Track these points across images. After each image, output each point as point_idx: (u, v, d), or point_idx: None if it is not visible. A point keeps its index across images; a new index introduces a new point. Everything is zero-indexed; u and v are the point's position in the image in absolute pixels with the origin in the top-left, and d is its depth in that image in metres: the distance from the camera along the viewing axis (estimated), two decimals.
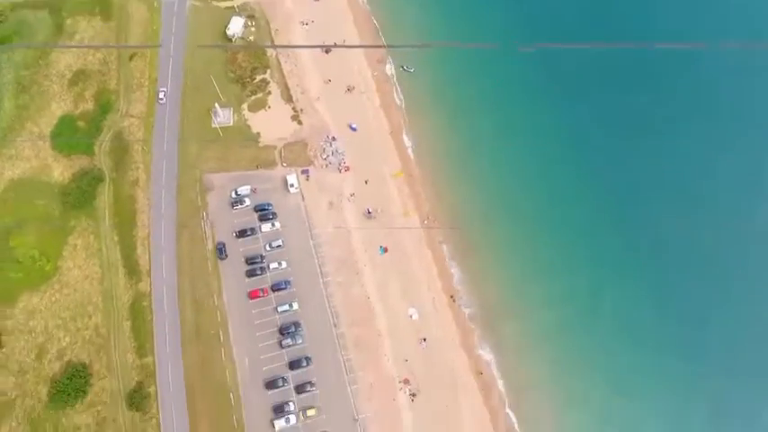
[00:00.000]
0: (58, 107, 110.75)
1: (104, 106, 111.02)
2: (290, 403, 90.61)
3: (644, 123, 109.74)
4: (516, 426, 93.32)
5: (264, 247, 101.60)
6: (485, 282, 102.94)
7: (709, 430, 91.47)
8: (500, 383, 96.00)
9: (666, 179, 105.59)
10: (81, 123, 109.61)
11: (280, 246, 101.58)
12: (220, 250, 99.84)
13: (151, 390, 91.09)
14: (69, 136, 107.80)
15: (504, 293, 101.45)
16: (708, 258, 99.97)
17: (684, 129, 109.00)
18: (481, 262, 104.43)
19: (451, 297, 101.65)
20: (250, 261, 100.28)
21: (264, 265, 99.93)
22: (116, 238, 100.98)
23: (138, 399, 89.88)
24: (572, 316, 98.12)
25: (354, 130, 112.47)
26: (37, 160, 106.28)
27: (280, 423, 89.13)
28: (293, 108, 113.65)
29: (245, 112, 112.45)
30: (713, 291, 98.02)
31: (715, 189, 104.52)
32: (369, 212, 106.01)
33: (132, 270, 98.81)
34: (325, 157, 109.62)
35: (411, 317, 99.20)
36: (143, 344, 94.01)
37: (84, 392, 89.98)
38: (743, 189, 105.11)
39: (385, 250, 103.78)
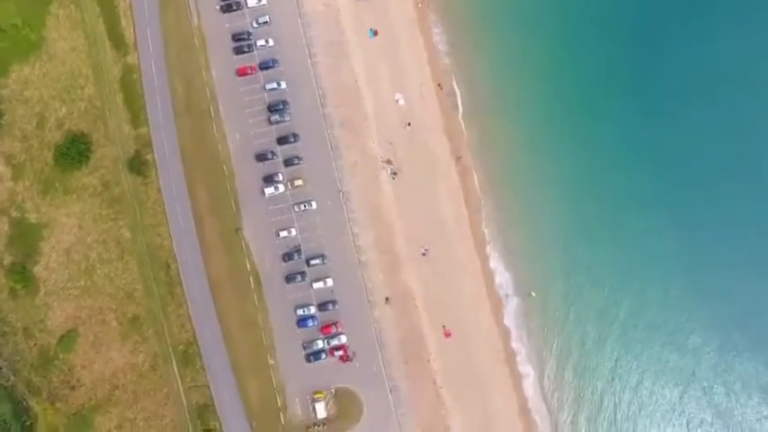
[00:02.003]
0: None
1: None
2: (279, 174, 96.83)
3: None
4: (489, 204, 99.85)
5: (251, 24, 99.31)
6: (475, 70, 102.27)
7: None
8: (477, 168, 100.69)
9: None
10: None
11: (267, 22, 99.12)
12: None
13: (149, 157, 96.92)
14: None
15: (494, 85, 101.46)
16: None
17: None
18: (473, 49, 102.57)
19: (439, 85, 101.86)
20: (237, 37, 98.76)
21: (252, 42, 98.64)
22: (98, 9, 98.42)
23: (137, 164, 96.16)
24: (557, 116, 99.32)
25: None
26: None
27: (269, 190, 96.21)
28: None
29: None
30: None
31: None
32: None
33: (118, 43, 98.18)
34: None
35: (398, 102, 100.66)
36: (137, 115, 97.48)
37: (87, 158, 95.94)
38: None
39: (375, 33, 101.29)
